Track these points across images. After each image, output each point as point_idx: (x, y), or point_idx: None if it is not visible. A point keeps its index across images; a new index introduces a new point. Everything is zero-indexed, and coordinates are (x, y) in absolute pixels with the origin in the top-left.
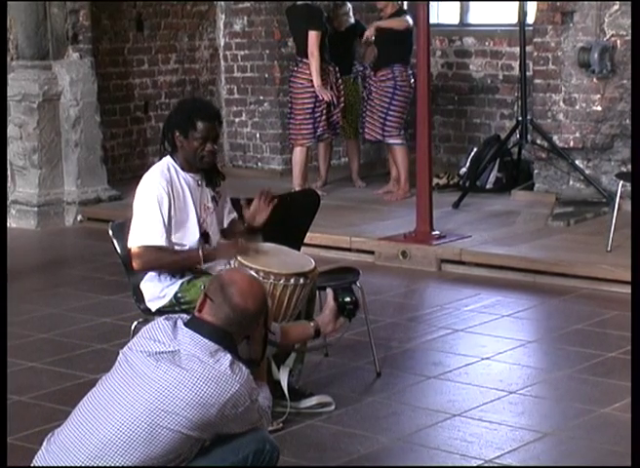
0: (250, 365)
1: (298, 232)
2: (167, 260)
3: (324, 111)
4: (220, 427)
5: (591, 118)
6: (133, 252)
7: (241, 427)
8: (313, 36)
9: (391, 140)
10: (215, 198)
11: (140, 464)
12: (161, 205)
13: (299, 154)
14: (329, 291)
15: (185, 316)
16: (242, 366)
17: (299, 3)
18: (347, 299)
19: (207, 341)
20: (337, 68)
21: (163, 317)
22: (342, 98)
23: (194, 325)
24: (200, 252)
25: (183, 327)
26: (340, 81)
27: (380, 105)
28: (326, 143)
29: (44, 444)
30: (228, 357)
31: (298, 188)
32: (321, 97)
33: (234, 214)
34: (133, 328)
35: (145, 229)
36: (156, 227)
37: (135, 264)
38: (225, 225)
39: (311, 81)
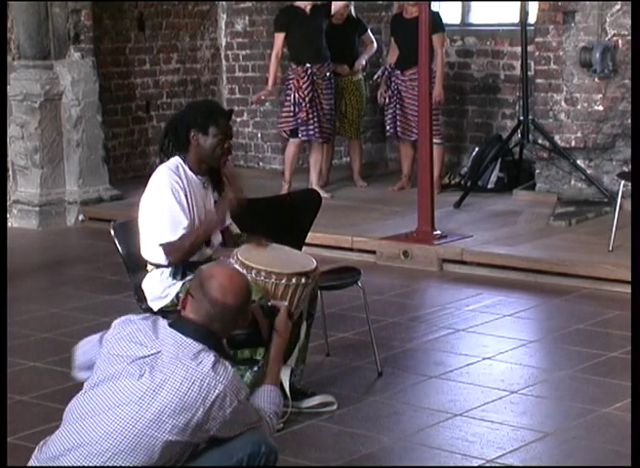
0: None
1: (299, 232)
2: (188, 246)
3: (286, 110)
4: (210, 430)
5: (593, 118)
6: (163, 250)
7: (236, 429)
8: (274, 38)
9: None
10: (218, 200)
11: None
12: (178, 199)
13: (286, 150)
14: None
15: (162, 317)
16: (227, 365)
17: None
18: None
19: (190, 341)
20: (306, 69)
21: (140, 317)
22: (307, 98)
23: (178, 324)
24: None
25: (167, 327)
26: (303, 83)
27: (414, 104)
28: (327, 143)
29: (35, 452)
30: (211, 357)
31: (285, 185)
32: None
33: (229, 222)
34: None
35: (169, 225)
36: (179, 221)
37: (170, 261)
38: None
39: (286, 80)
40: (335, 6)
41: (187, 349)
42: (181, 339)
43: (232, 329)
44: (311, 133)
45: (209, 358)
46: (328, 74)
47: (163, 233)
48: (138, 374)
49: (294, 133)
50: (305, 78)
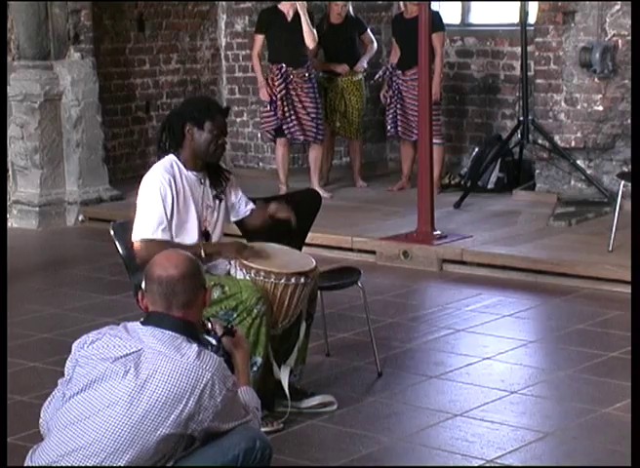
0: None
1: (299, 232)
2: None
3: (265, 110)
4: (204, 421)
5: (593, 118)
6: (134, 246)
7: (229, 422)
8: (254, 38)
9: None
10: (217, 196)
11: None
12: (164, 199)
13: (275, 152)
14: None
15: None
16: (212, 353)
17: None
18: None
19: (170, 334)
20: (280, 68)
21: (106, 328)
22: (279, 95)
23: (151, 321)
24: (201, 247)
25: (141, 326)
26: (276, 81)
27: (415, 104)
28: (327, 143)
29: (26, 462)
30: (194, 347)
31: (282, 187)
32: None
33: (252, 205)
34: None
35: (147, 223)
36: (158, 221)
37: (137, 259)
38: (243, 215)
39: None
40: (300, 6)
41: (168, 342)
42: (160, 333)
43: (194, 306)
44: (292, 130)
45: (192, 348)
46: (307, 74)
47: (141, 229)
48: (123, 372)
49: (278, 132)
50: (279, 76)
